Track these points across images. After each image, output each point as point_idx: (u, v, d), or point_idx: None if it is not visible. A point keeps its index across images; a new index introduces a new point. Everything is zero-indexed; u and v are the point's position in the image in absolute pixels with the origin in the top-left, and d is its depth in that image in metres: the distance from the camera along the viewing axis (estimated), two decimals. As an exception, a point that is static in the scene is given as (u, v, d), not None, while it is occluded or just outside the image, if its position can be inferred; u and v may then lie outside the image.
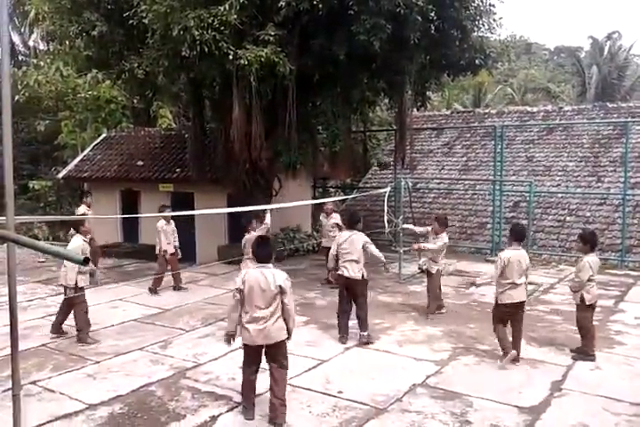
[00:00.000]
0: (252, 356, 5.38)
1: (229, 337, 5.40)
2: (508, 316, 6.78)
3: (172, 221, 10.86)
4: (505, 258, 6.68)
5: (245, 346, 5.35)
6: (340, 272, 7.62)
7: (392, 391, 6.00)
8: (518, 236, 6.94)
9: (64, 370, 6.71)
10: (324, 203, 11.85)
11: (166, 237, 10.68)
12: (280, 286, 5.16)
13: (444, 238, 8.68)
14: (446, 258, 9.32)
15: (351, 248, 7.54)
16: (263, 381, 5.49)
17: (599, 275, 7.88)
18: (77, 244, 7.68)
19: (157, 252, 10.77)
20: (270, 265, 5.32)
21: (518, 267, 6.70)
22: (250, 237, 9.01)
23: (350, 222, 7.95)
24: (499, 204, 14.41)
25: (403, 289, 10.53)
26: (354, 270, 7.52)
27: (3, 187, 3.24)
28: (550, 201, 15.28)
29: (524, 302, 6.97)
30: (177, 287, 10.87)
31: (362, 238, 7.61)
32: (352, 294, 7.61)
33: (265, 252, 5.36)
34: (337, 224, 10.97)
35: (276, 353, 5.33)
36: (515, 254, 6.75)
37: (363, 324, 7.57)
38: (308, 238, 14.34)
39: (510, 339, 6.79)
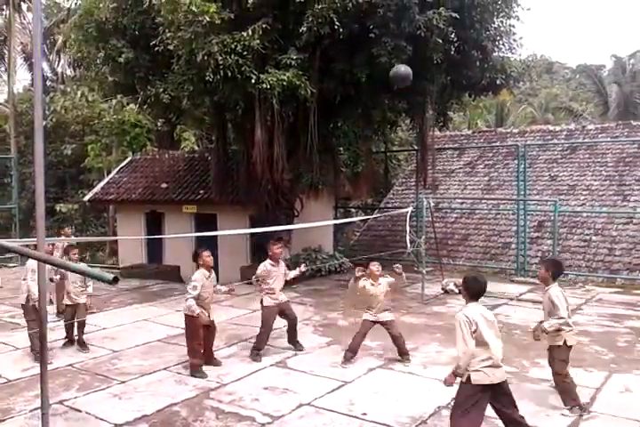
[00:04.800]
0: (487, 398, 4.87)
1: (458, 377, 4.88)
2: None
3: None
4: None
5: (481, 387, 4.77)
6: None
7: (417, 413, 5.91)
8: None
9: (90, 390, 6.76)
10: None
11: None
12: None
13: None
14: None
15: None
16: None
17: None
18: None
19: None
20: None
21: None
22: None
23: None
24: (523, 223, 14.26)
25: (426, 310, 10.42)
26: None
27: (32, 209, 3.34)
28: (575, 220, 15.08)
29: None
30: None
31: None
32: None
33: (482, 287, 5.02)
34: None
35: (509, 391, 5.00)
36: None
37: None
38: (330, 259, 14.33)
39: None
